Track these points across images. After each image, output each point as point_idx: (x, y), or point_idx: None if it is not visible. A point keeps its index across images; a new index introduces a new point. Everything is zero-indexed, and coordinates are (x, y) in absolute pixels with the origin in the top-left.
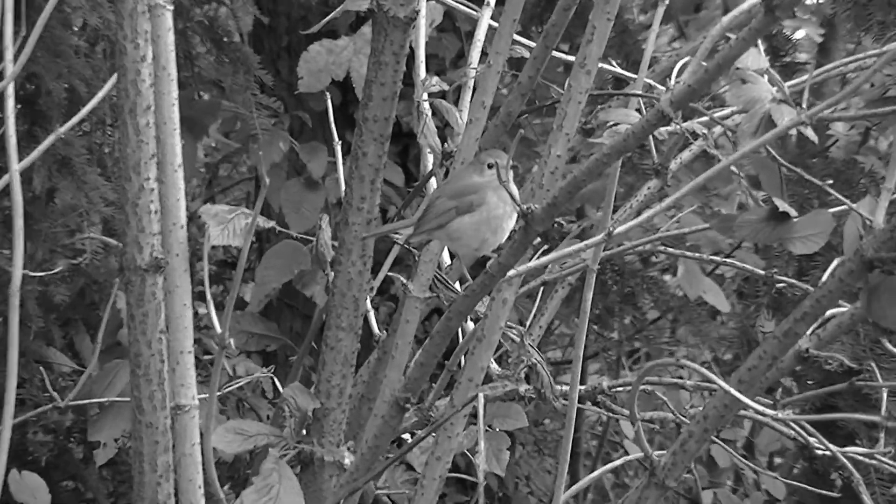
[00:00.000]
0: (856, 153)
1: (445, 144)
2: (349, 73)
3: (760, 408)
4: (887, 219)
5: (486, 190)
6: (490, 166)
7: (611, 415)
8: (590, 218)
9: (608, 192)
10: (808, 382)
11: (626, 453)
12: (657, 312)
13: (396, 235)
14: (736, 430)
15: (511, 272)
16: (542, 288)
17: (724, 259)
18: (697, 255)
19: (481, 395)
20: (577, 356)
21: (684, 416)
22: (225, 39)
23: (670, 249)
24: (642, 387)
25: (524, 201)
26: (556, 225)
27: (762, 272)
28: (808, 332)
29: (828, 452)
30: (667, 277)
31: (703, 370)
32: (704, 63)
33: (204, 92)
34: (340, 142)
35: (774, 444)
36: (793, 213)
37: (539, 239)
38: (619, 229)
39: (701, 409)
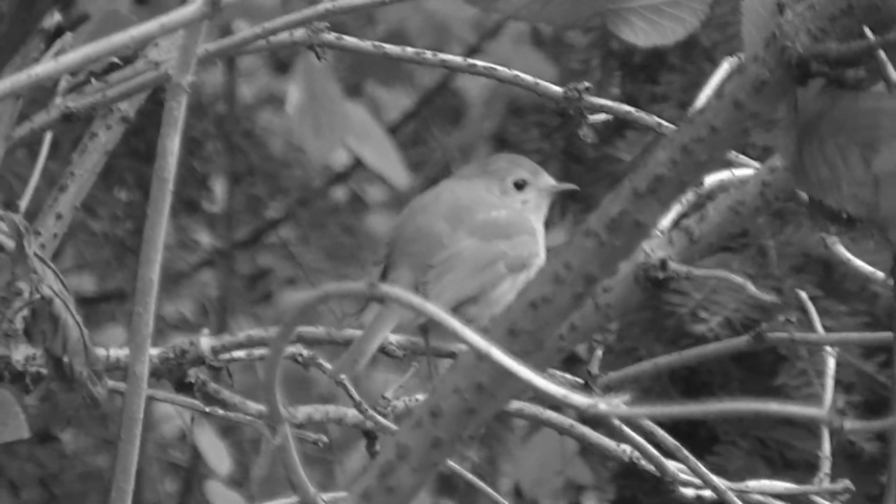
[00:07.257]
0: None
1: None
2: None
3: (561, 391)
4: None
5: (536, 230)
6: (519, 186)
7: (220, 413)
8: None
9: None
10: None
11: None
12: None
13: None
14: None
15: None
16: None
17: None
18: None
19: None
20: (141, 292)
21: (382, 413)
22: None
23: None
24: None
25: None
26: None
27: None
28: (666, 225)
29: (705, 492)
30: None
31: (429, 307)
32: None
33: None
34: None
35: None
36: None
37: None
38: None
39: (432, 392)
